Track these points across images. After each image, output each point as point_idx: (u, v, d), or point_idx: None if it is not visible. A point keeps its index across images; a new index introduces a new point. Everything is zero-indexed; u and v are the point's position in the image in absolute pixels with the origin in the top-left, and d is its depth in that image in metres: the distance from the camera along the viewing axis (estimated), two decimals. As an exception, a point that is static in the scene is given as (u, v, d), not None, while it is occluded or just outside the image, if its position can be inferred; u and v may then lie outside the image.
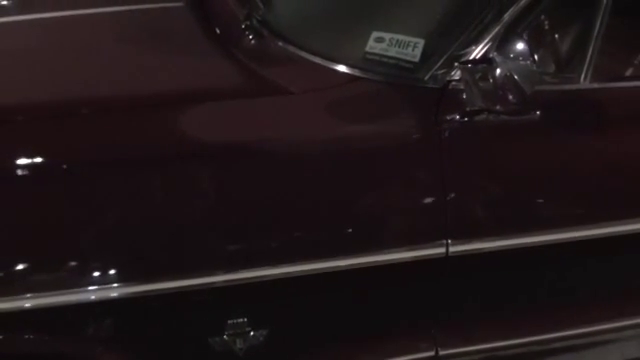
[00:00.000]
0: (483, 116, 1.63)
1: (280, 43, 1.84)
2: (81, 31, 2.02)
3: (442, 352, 1.74)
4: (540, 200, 1.70)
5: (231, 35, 1.95)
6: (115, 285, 1.51)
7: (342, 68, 1.73)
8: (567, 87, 1.73)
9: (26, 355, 1.54)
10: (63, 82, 1.75)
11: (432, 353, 1.74)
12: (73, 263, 1.52)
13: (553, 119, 1.67)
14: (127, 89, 1.73)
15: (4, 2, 2.25)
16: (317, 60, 1.76)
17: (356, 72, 1.72)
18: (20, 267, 1.50)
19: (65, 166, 1.55)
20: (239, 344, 1.60)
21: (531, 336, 1.79)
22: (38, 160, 1.57)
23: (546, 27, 1.70)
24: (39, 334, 1.53)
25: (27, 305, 1.48)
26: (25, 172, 1.55)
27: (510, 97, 1.59)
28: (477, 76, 1.61)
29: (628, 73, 1.99)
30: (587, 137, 1.71)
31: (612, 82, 1.80)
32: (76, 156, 1.57)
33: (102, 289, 1.51)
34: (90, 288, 1.51)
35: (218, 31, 1.99)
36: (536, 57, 1.62)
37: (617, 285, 1.84)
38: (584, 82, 1.72)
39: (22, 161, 1.56)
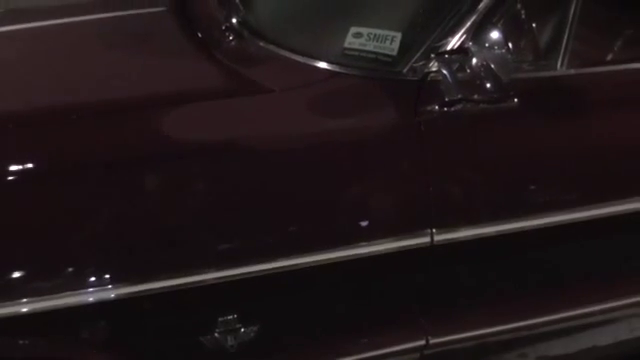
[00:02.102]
0: (462, 105, 1.64)
1: (260, 43, 1.86)
2: (67, 39, 2.04)
3: (432, 340, 1.76)
4: (522, 186, 1.72)
5: (212, 37, 1.97)
6: (105, 287, 1.52)
7: (322, 64, 1.75)
8: (544, 74, 1.75)
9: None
10: (52, 88, 1.77)
11: (422, 342, 1.75)
12: (64, 267, 1.53)
13: (531, 106, 1.69)
14: (112, 93, 1.75)
15: (-7, 13, 2.29)
16: (297, 58, 1.78)
17: (336, 68, 1.74)
18: (13, 272, 1.51)
19: (56, 170, 1.57)
20: (230, 341, 1.61)
21: (520, 321, 1.81)
22: (30, 165, 1.58)
23: (521, 15, 1.72)
24: (33, 339, 1.54)
25: (22, 310, 1.50)
26: (18, 176, 1.57)
27: (487, 86, 1.61)
28: (454, 66, 1.64)
29: (604, 58, 2.01)
30: (565, 123, 1.73)
31: (589, 67, 1.82)
32: (66, 159, 1.58)
33: (92, 292, 1.52)
34: (81, 291, 1.52)
35: (200, 34, 2.01)
36: (511, 45, 1.64)
37: (604, 267, 1.86)
38: (561, 68, 1.74)
39: (16, 166, 1.58)
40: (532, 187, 1.73)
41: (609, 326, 1.94)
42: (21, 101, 1.72)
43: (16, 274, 1.51)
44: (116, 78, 1.81)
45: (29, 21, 2.17)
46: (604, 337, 1.95)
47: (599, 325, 1.93)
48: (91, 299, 1.53)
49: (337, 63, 1.74)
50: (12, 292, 1.50)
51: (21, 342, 1.53)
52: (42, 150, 1.60)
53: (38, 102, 1.71)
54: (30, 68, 1.86)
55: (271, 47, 1.83)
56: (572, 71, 1.74)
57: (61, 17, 2.19)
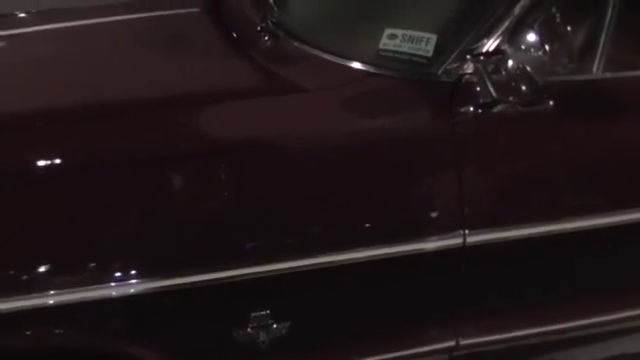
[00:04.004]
0: (497, 107, 1.65)
1: (295, 43, 1.87)
2: (103, 38, 2.07)
3: (462, 342, 1.76)
4: (555, 189, 1.72)
5: (247, 37, 1.99)
6: (139, 280, 1.54)
7: (356, 65, 1.76)
8: (579, 77, 1.74)
9: (56, 350, 1.57)
10: (90, 87, 1.79)
11: (453, 343, 1.76)
12: (100, 260, 1.55)
13: (566, 109, 1.69)
14: (147, 92, 1.77)
15: (22, 14, 2.31)
16: (331, 58, 1.79)
17: (370, 68, 1.75)
18: (49, 264, 1.53)
19: (88, 166, 1.59)
20: (262, 337, 1.62)
21: (551, 325, 1.81)
22: (60, 161, 1.60)
23: (557, 18, 1.72)
24: (68, 329, 1.56)
25: (59, 300, 1.52)
26: (48, 173, 1.59)
27: (523, 88, 1.62)
28: (490, 68, 1.64)
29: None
30: (600, 126, 1.73)
31: (624, 72, 1.81)
32: (98, 156, 1.60)
33: (127, 285, 1.54)
34: (115, 284, 1.54)
35: (234, 34, 2.03)
36: (547, 48, 1.64)
37: (638, 273, 1.85)
38: (596, 72, 1.74)
39: (45, 162, 1.60)
40: (566, 190, 1.73)
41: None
42: (60, 99, 1.74)
43: (56, 266, 1.53)
44: (151, 77, 1.83)
45: (62, 21, 2.20)
46: (634, 344, 1.95)
47: (630, 332, 1.92)
48: (125, 292, 1.54)
49: (372, 64, 1.75)
50: (52, 283, 1.52)
51: (56, 332, 1.54)
52: (74, 147, 1.62)
53: (71, 101, 1.73)
54: (63, 67, 1.89)
55: (305, 47, 1.85)
56: (608, 75, 1.74)
57: (94, 17, 2.22)
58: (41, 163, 1.60)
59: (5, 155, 1.59)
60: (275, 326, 1.63)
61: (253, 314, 1.61)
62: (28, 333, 1.54)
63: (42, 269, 1.52)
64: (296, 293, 1.64)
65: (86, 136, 1.63)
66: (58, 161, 1.60)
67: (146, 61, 1.92)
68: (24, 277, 1.52)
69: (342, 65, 1.77)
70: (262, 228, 1.61)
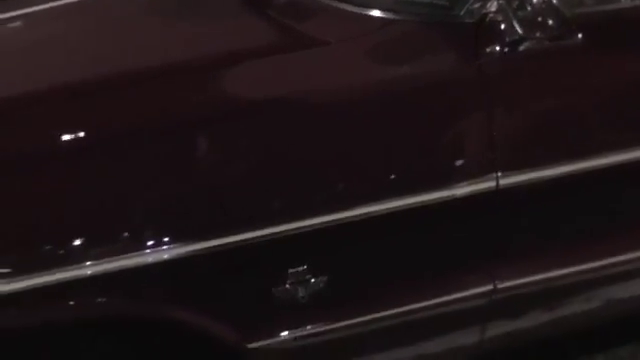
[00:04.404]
0: (523, 45, 1.63)
1: None
2: (116, 8, 2.04)
3: (500, 285, 1.76)
4: (586, 125, 1.71)
5: None
6: (180, 243, 1.54)
7: (376, 13, 1.74)
8: (608, 7, 1.73)
9: (100, 319, 1.58)
10: (110, 57, 1.78)
11: (490, 287, 1.75)
12: (135, 227, 1.55)
13: (595, 41, 1.67)
14: (170, 58, 1.75)
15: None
16: (350, 8, 1.77)
17: (390, 15, 1.73)
18: (86, 236, 1.53)
19: (118, 135, 1.58)
20: (301, 292, 1.62)
21: (587, 263, 1.81)
22: (91, 132, 1.59)
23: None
24: (110, 298, 1.56)
25: (97, 270, 1.51)
26: (79, 145, 1.58)
27: (549, 22, 1.60)
28: (514, 4, 1.62)
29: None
30: (631, 57, 1.71)
31: None
32: (127, 125, 1.59)
33: (167, 249, 1.54)
34: (153, 250, 1.54)
35: None
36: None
37: None
38: (625, 1, 1.72)
39: (76, 135, 1.59)
40: (597, 126, 1.72)
41: None
42: (79, 73, 1.73)
43: (93, 236, 1.53)
44: (170, 42, 1.82)
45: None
46: None
47: None
48: (163, 257, 1.54)
49: (391, 10, 1.73)
50: (90, 254, 1.51)
51: (99, 300, 1.54)
52: (104, 117, 1.61)
53: (94, 73, 1.72)
54: (81, 41, 1.88)
55: None
56: (638, 2, 1.71)
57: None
58: (72, 136, 1.58)
59: (37, 131, 1.58)
60: (313, 281, 1.63)
61: (291, 270, 1.61)
62: (71, 304, 1.53)
63: (80, 240, 1.51)
64: (332, 247, 1.64)
65: (114, 106, 1.63)
66: (89, 133, 1.59)
67: (164, 27, 1.91)
68: (64, 250, 1.51)
69: (361, 14, 1.75)
70: (294, 184, 1.60)
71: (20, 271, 1.49)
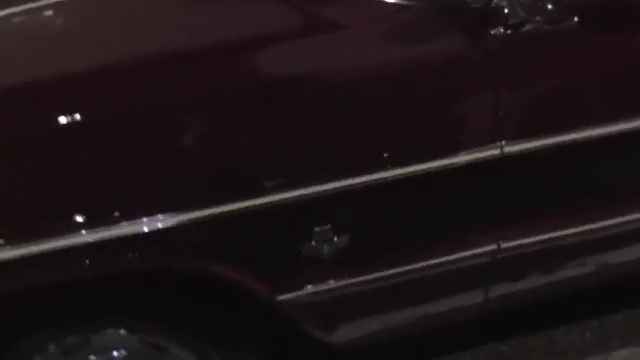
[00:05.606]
0: (525, 27, 1.79)
1: None
2: None
3: (503, 245, 1.91)
4: (582, 99, 1.87)
5: None
6: (215, 205, 1.71)
7: (391, 0, 1.88)
8: None
9: (137, 273, 1.75)
10: (137, 41, 1.91)
11: (494, 247, 1.91)
12: (173, 187, 1.71)
13: (590, 24, 1.83)
14: (192, 41, 1.87)
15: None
16: None
17: (404, 2, 1.87)
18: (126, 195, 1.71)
19: (151, 112, 1.73)
20: (325, 249, 1.79)
21: (587, 225, 1.95)
22: (134, 106, 1.75)
23: None
24: (145, 253, 1.72)
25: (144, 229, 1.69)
26: (112, 121, 1.73)
27: (549, 7, 1.77)
28: (516, -11, 1.77)
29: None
30: (621, 38, 1.87)
31: None
32: (160, 103, 1.75)
33: (199, 209, 1.71)
34: (188, 210, 1.70)
35: None
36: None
37: None
38: None
39: (118, 111, 1.74)
40: (593, 100, 1.87)
41: None
42: (110, 55, 1.85)
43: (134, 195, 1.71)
44: (192, 27, 1.94)
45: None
46: None
47: None
48: (198, 216, 1.71)
49: None
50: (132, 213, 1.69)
51: (137, 255, 1.71)
52: (148, 93, 1.76)
53: (123, 55, 1.85)
54: (111, 26, 2.00)
55: None
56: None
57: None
58: (109, 112, 1.74)
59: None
60: (336, 239, 1.79)
61: (316, 229, 1.77)
62: (125, 256, 1.70)
63: (123, 202, 1.70)
64: (353, 209, 1.80)
65: (147, 86, 1.77)
66: (132, 106, 1.75)
67: (185, 12, 2.02)
68: (106, 209, 1.69)
69: (377, 1, 1.88)
70: (319, 153, 1.77)
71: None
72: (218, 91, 1.77)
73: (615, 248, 2.05)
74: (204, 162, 1.73)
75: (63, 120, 1.71)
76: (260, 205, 1.73)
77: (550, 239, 1.94)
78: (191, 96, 1.76)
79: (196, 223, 1.71)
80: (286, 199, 1.74)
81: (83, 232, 1.68)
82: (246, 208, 1.72)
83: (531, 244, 1.94)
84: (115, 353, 1.92)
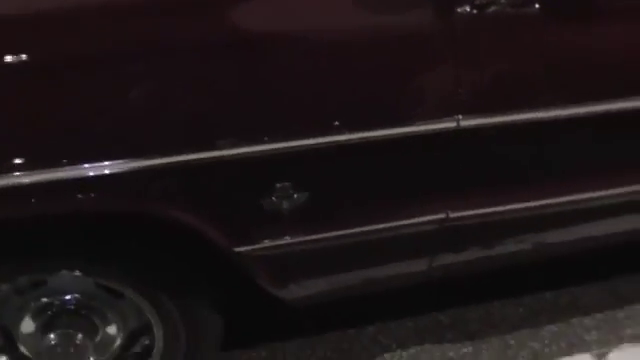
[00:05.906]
0: (490, 9, 1.88)
1: None
2: None
3: (452, 214, 2.01)
4: (538, 79, 1.96)
5: None
6: (182, 152, 1.75)
7: None
8: None
9: (107, 214, 1.80)
10: None
11: (443, 215, 2.00)
12: (139, 133, 1.74)
13: (549, 10, 1.91)
14: None
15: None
16: None
17: None
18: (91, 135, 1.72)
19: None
20: (285, 205, 1.86)
21: (531, 201, 2.05)
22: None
23: None
24: (95, 195, 1.75)
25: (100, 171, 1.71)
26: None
27: None
28: (484, -27, 1.86)
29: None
30: (577, 24, 1.96)
31: None
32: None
33: (171, 156, 1.74)
34: (155, 156, 1.74)
35: None
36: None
37: (617, 157, 2.09)
38: None
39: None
40: (547, 83, 1.96)
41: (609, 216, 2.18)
42: None
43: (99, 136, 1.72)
44: None
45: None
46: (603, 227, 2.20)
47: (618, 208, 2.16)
48: (169, 161, 1.75)
49: None
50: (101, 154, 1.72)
51: (106, 197, 1.74)
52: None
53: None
54: None
55: None
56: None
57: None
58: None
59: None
60: (295, 196, 1.86)
61: (278, 185, 1.84)
62: (80, 197, 1.74)
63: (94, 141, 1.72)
64: (313, 168, 1.87)
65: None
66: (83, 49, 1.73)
67: None
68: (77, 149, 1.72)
69: None
70: (281, 110, 1.81)
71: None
72: (180, 41, 1.75)
73: (554, 227, 2.17)
74: (159, 110, 1.74)
75: (9, 59, 1.69)
76: (225, 157, 1.77)
77: (495, 212, 2.04)
78: (153, 42, 1.75)
79: (151, 170, 1.74)
80: (249, 153, 1.79)
81: (28, 172, 1.68)
82: (201, 160, 1.76)
83: (477, 215, 2.03)
84: (68, 296, 1.98)
